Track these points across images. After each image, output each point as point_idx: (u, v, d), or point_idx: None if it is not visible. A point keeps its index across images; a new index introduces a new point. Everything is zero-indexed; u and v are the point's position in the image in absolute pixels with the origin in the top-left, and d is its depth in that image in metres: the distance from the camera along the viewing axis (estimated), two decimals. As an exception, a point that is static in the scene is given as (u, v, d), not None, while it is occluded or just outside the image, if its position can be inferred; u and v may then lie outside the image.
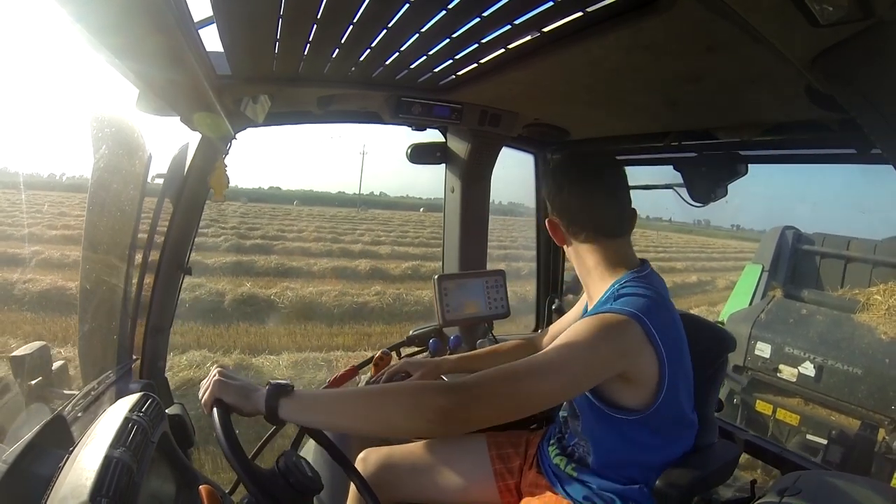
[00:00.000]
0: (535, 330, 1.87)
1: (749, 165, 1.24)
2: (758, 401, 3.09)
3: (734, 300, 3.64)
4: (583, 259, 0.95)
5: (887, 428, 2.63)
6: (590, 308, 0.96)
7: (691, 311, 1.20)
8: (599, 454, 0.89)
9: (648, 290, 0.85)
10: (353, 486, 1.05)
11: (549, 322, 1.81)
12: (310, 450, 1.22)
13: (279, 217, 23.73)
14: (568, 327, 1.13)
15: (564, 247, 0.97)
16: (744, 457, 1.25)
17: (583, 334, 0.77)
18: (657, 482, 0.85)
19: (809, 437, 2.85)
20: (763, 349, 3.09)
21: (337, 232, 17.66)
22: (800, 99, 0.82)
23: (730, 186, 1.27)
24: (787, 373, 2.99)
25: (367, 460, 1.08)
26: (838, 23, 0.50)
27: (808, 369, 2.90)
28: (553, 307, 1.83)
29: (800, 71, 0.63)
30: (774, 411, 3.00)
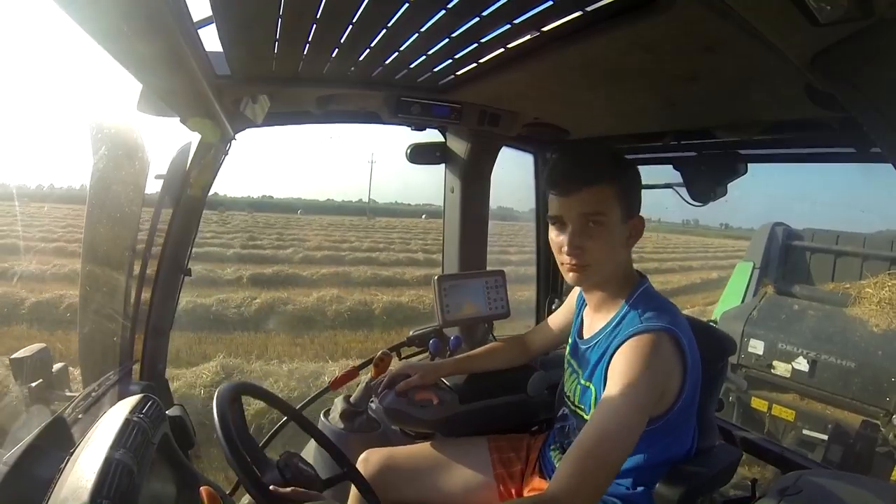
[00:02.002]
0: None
1: (748, 164, 1.24)
2: (753, 398, 3.10)
3: (726, 299, 3.65)
4: (620, 261, 0.91)
5: (883, 420, 2.64)
6: (594, 312, 0.95)
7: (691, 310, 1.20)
8: None
9: (666, 300, 0.89)
10: (353, 487, 1.06)
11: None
12: (310, 450, 1.22)
13: (304, 227, 23.80)
14: (561, 323, 1.14)
15: (601, 246, 0.86)
16: (744, 455, 1.25)
17: (634, 373, 0.77)
18: (658, 485, 0.85)
19: (806, 432, 2.86)
20: (756, 346, 3.11)
21: (379, 241, 17.88)
22: (799, 98, 0.82)
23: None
24: (781, 369, 3.01)
25: (368, 461, 1.08)
26: (838, 21, 0.50)
27: (802, 364, 2.92)
28: (553, 307, 1.83)
29: (799, 70, 0.63)
30: (770, 408, 3.02)
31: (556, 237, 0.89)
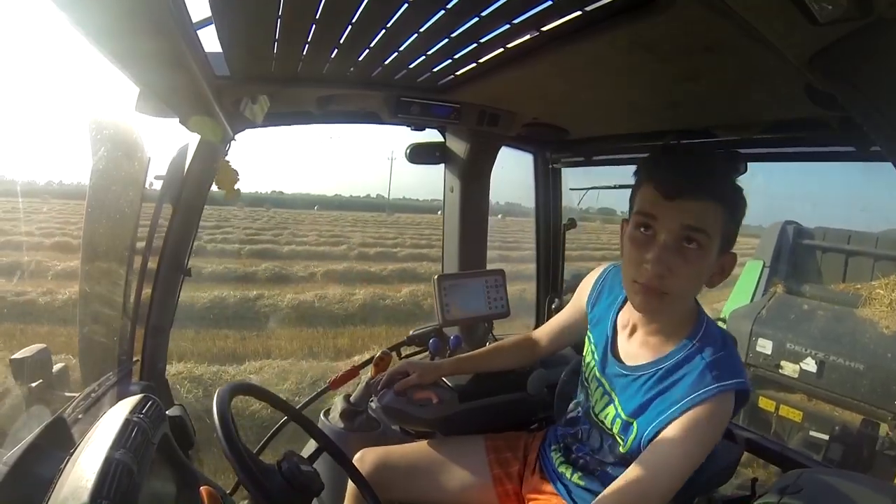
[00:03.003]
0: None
1: (748, 164, 1.24)
2: (761, 397, 3.07)
3: (735, 297, 3.62)
4: (692, 298, 0.81)
5: (890, 423, 2.61)
6: (644, 336, 0.85)
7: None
8: (617, 473, 0.84)
9: (722, 332, 0.82)
10: (351, 485, 1.06)
11: (550, 321, 1.80)
12: (310, 450, 1.22)
13: (335, 223, 24.00)
14: (569, 324, 1.11)
15: (690, 275, 0.75)
16: (745, 454, 1.25)
17: (700, 439, 0.73)
18: None
19: (813, 433, 2.83)
20: (764, 346, 3.07)
21: (419, 237, 18.12)
22: (799, 97, 0.82)
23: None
24: (789, 369, 2.97)
25: (363, 460, 1.08)
26: (837, 21, 0.50)
27: (810, 365, 2.88)
28: (553, 306, 1.83)
29: (799, 69, 0.62)
30: (777, 408, 2.99)
31: (638, 244, 0.75)
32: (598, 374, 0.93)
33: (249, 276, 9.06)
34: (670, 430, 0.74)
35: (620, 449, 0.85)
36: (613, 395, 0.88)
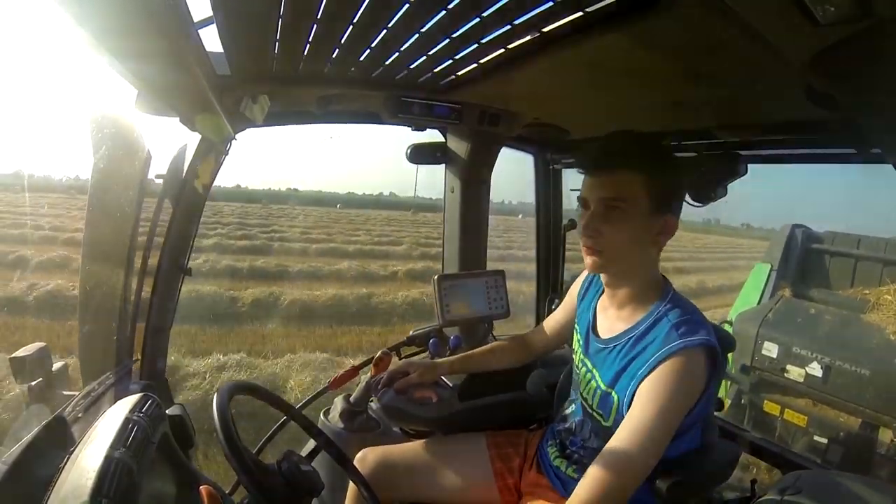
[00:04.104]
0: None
1: (749, 165, 1.24)
2: (766, 401, 3.04)
3: (742, 299, 3.57)
4: (644, 258, 0.87)
5: (894, 429, 2.58)
6: (616, 310, 0.91)
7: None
8: None
9: (691, 304, 0.86)
10: (351, 485, 1.06)
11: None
12: (310, 449, 1.22)
13: (372, 222, 24.06)
14: (562, 322, 1.13)
15: (619, 233, 0.84)
16: (746, 457, 1.25)
17: (670, 397, 0.75)
18: (657, 481, 0.85)
19: (817, 438, 2.80)
20: (770, 349, 3.03)
21: None
22: (799, 98, 0.82)
23: (737, 184, 1.27)
24: (795, 373, 2.93)
25: (365, 459, 1.08)
26: (838, 22, 0.50)
27: (815, 370, 2.84)
28: (553, 307, 1.83)
29: (799, 70, 0.63)
30: (782, 412, 2.96)
31: (580, 219, 0.88)
32: (583, 356, 0.97)
33: (335, 273, 9.37)
34: (642, 389, 0.78)
35: (604, 423, 0.87)
36: (595, 370, 0.92)
